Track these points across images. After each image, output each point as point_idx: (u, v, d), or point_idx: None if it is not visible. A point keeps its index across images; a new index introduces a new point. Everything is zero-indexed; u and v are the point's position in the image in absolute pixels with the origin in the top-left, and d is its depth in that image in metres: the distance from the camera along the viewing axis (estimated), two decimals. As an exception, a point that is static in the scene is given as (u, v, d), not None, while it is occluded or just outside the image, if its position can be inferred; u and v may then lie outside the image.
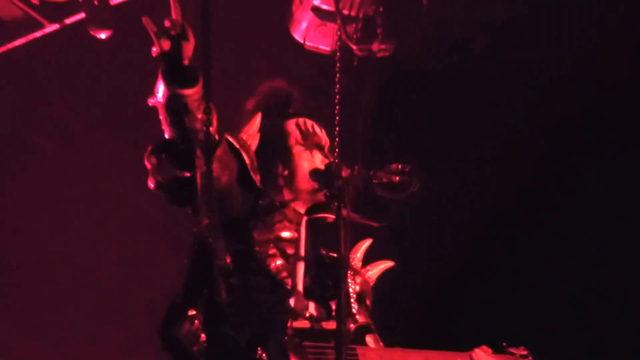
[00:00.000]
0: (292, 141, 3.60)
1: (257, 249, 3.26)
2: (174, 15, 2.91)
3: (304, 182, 3.50)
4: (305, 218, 3.20)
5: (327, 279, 3.01)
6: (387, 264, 3.61)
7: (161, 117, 3.06)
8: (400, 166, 3.08)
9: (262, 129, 3.49)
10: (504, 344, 3.95)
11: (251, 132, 3.44)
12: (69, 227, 5.35)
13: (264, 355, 3.09)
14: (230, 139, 3.32)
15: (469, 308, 5.44)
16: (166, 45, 2.88)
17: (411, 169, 3.08)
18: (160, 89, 2.99)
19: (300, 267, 3.07)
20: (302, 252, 3.08)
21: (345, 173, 3.01)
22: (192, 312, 3.08)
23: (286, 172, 3.54)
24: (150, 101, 3.04)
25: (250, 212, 3.33)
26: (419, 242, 5.26)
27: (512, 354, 3.91)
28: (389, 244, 3.68)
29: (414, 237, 5.16)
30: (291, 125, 3.62)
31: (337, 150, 3.20)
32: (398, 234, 4.09)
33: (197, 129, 2.96)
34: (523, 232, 5.61)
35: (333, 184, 2.97)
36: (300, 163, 3.56)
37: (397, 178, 3.07)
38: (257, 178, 3.36)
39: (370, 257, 3.60)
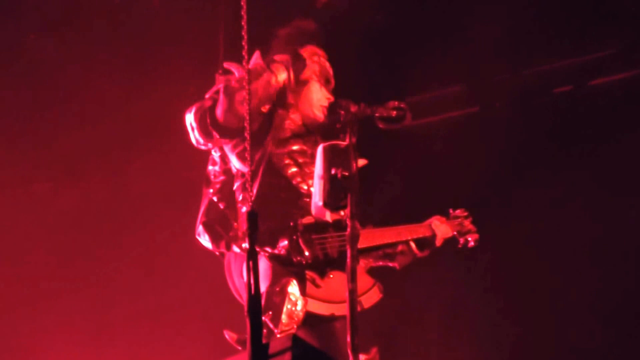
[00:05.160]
0: (308, 73, 4.40)
1: (274, 160, 4.21)
2: None
3: (310, 108, 4.42)
4: (321, 145, 3.76)
5: (339, 192, 3.63)
6: (363, 162, 4.20)
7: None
8: (397, 103, 3.72)
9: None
10: (450, 210, 4.67)
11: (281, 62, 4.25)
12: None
13: (282, 247, 4.06)
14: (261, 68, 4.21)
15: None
16: None
17: (406, 105, 3.71)
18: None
19: (319, 184, 3.69)
20: (321, 172, 3.67)
21: (354, 108, 3.78)
22: (222, 205, 4.24)
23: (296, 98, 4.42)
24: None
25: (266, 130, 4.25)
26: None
27: (457, 217, 4.65)
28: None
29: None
30: (309, 61, 4.41)
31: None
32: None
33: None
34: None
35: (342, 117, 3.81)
36: (311, 90, 4.41)
37: (394, 113, 3.71)
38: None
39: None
